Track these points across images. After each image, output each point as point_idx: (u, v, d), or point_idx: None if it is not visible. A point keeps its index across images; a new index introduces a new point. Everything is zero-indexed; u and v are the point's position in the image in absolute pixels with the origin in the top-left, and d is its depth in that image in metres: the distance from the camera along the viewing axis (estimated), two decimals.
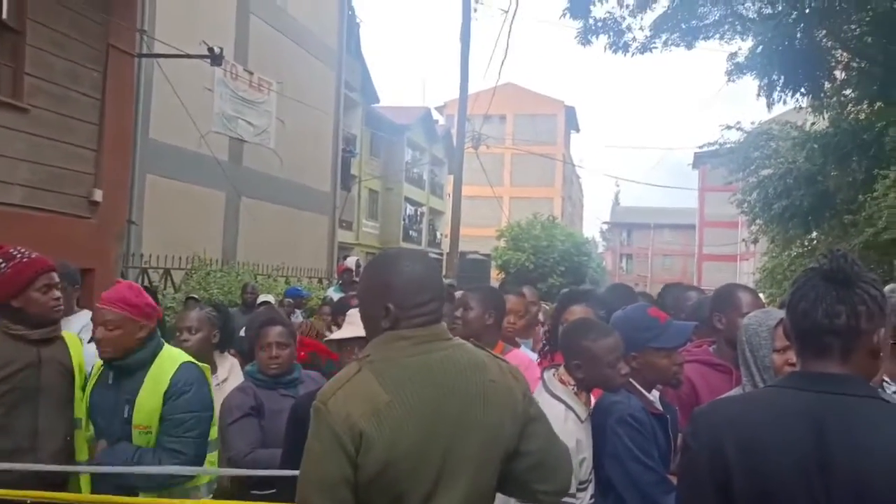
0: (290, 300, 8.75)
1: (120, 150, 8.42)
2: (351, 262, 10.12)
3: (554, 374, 2.43)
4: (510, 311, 3.53)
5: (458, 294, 4.20)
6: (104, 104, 8.00)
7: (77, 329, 3.46)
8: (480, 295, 3.15)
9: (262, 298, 7.55)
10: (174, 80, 10.65)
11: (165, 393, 2.71)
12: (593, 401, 2.46)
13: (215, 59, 10.28)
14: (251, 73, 13.59)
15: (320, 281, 14.68)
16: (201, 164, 12.71)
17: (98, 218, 8.02)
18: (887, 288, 2.94)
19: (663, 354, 2.47)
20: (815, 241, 14.55)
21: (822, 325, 1.46)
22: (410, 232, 32.63)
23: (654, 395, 2.50)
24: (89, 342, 3.06)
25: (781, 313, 2.31)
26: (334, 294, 10.37)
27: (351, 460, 1.57)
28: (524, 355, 3.38)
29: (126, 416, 2.70)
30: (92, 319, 2.94)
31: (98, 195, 7.96)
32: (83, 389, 2.95)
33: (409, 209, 33.07)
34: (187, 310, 3.85)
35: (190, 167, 12.61)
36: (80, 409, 2.93)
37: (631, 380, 2.43)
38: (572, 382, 2.37)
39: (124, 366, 2.76)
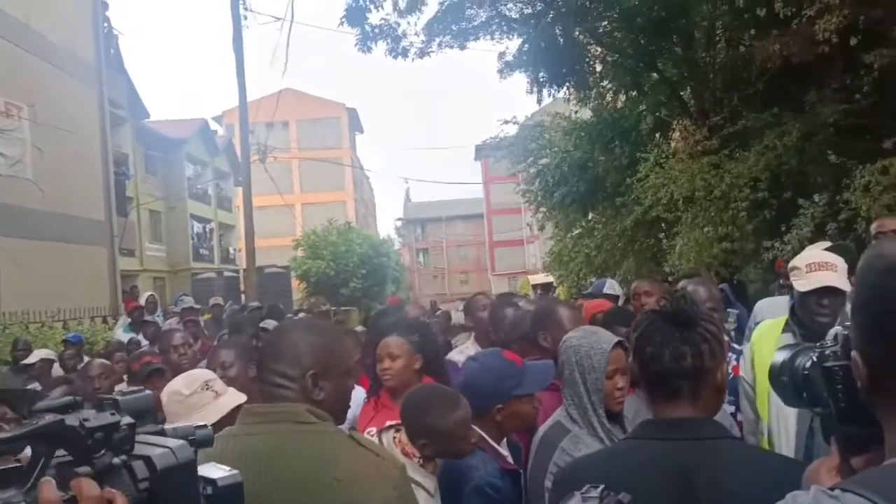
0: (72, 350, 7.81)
1: None
2: (144, 298, 9.27)
3: (395, 441, 2.25)
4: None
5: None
6: None
7: None
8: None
9: (36, 356, 6.53)
10: None
11: None
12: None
13: None
14: None
15: (105, 320, 13.40)
16: None
17: None
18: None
19: (526, 401, 2.40)
20: (592, 223, 15.73)
21: (671, 369, 1.48)
22: (201, 251, 31.02)
23: (504, 448, 2.43)
24: None
25: (608, 333, 2.38)
26: (123, 335, 9.45)
27: None
28: None
29: None
30: None
31: None
32: None
33: (197, 227, 31.41)
34: None
35: None
36: None
37: (483, 434, 2.33)
38: (417, 454, 2.21)
39: None
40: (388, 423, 2.40)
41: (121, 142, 22.46)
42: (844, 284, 2.76)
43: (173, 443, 0.98)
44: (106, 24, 19.54)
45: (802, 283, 2.77)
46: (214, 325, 9.35)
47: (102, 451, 0.92)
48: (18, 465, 0.90)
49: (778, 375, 1.18)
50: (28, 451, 0.91)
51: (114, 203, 17.78)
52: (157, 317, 10.28)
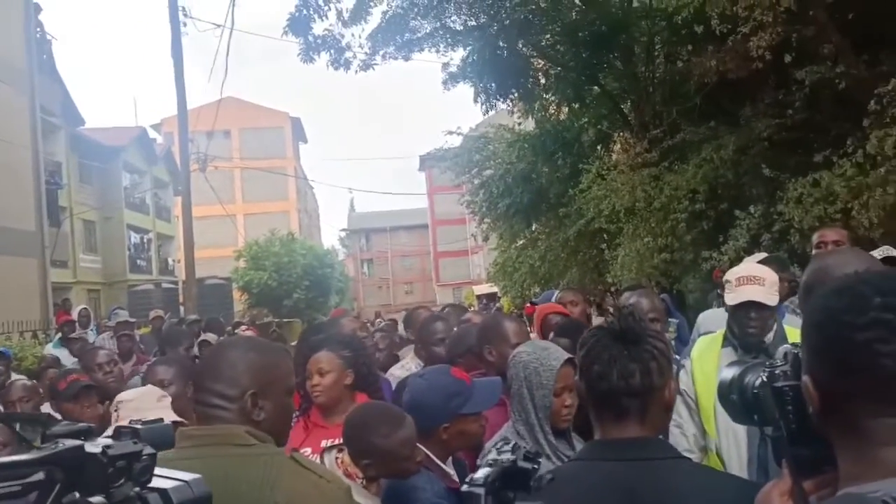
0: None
1: None
2: (76, 312, 8.90)
3: (337, 462, 2.16)
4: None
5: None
6: None
7: None
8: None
9: None
10: None
11: None
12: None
13: None
14: None
15: (35, 335, 12.86)
16: None
17: None
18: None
19: (472, 419, 2.35)
20: (535, 234, 15.87)
21: (619, 388, 1.44)
22: (138, 262, 30.17)
23: (450, 466, 2.37)
24: None
25: (558, 349, 2.35)
26: (54, 351, 9.06)
27: None
28: None
29: None
30: None
31: None
32: None
33: (134, 237, 30.55)
34: None
35: None
36: None
37: (428, 453, 2.27)
38: (360, 475, 2.13)
39: None
40: (326, 442, 2.32)
41: (54, 150, 21.72)
42: (771, 299, 2.78)
43: (187, 476, 0.94)
44: (38, 29, 18.90)
45: (732, 297, 2.80)
46: (155, 340, 9.04)
47: (122, 481, 0.87)
48: (31, 487, 0.82)
49: (727, 394, 1.15)
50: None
51: (45, 213, 17.16)
52: (90, 331, 9.92)
